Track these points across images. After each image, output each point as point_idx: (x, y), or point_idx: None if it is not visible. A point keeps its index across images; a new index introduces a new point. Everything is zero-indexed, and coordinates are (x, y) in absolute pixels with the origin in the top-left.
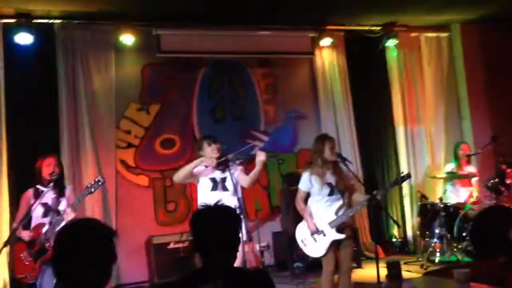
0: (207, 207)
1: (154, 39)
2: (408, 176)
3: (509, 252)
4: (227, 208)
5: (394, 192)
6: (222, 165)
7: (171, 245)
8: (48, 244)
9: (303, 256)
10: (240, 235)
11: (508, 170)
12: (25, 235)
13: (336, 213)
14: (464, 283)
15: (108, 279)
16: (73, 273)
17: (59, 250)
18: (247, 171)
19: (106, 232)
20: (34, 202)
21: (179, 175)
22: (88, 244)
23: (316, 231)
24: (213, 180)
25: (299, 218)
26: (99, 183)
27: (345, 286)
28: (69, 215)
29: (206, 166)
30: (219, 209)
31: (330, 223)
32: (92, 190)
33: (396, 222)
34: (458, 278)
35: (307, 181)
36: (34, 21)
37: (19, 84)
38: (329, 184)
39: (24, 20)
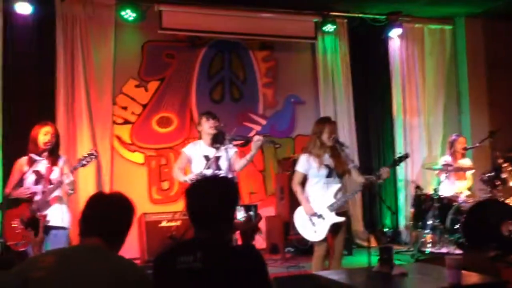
0: (203, 177)
1: (156, 15)
2: (406, 156)
3: (501, 246)
4: (223, 179)
5: (389, 182)
6: (217, 142)
7: (163, 224)
8: (39, 214)
9: (297, 241)
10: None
11: (505, 165)
12: (20, 193)
13: (335, 196)
14: (456, 269)
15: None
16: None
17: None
18: (241, 154)
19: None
20: (28, 170)
21: (176, 177)
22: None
23: (314, 214)
24: (207, 158)
25: (293, 203)
26: (92, 156)
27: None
28: (69, 178)
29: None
30: (214, 180)
31: (329, 206)
32: (85, 162)
33: (389, 208)
34: (449, 264)
35: (305, 162)
36: None
37: (17, 54)
38: (327, 166)
39: None
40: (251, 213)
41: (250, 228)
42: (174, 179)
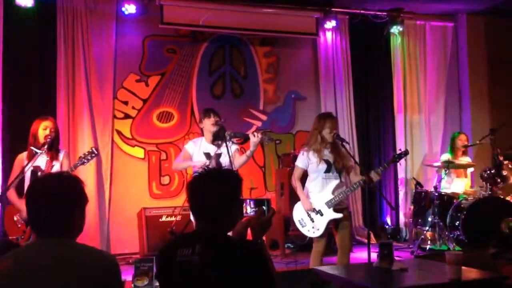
0: (205, 170)
1: (157, 10)
2: (406, 153)
3: (500, 243)
4: (226, 172)
5: (389, 178)
6: (218, 139)
7: (164, 218)
8: None
9: (296, 237)
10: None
11: (505, 162)
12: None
13: (333, 192)
14: (456, 264)
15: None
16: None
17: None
18: (242, 151)
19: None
20: (27, 164)
21: (178, 167)
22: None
23: (312, 210)
24: (207, 155)
25: (293, 199)
26: (93, 155)
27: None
28: None
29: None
30: (217, 173)
31: (327, 203)
32: (85, 161)
33: (390, 204)
34: (450, 259)
35: (304, 158)
36: None
37: (18, 47)
38: (326, 161)
39: None
40: (264, 207)
41: (260, 222)
42: (174, 173)
